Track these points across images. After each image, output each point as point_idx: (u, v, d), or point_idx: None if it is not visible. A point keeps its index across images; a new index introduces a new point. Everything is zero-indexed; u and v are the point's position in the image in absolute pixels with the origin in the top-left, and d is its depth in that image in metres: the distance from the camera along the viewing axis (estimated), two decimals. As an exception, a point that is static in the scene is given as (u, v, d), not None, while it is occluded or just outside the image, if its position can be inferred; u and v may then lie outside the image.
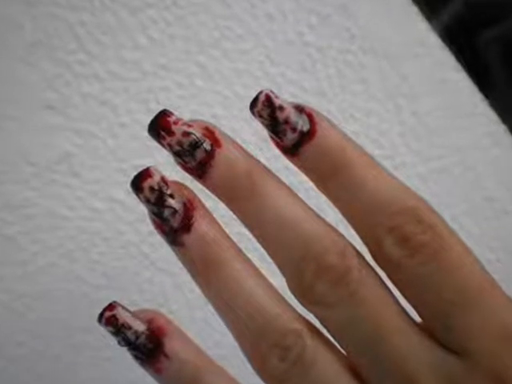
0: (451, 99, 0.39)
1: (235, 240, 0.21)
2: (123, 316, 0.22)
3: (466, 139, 0.40)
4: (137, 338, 0.22)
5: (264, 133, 0.21)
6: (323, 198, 0.21)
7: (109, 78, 0.33)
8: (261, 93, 0.20)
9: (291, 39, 0.36)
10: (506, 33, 0.61)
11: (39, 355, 0.32)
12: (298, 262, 0.20)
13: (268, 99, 0.20)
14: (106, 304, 0.22)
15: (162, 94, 0.34)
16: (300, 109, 0.20)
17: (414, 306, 0.20)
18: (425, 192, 0.20)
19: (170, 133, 0.20)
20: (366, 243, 0.20)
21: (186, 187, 0.21)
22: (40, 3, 0.31)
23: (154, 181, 0.20)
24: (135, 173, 0.20)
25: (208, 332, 0.35)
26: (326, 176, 0.20)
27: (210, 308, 0.21)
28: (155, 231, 0.21)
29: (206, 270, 0.21)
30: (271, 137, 0.21)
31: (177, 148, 0.20)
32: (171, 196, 0.20)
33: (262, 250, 0.21)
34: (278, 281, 0.21)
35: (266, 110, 0.20)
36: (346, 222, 0.21)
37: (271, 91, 0.20)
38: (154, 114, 0.20)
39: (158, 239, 0.21)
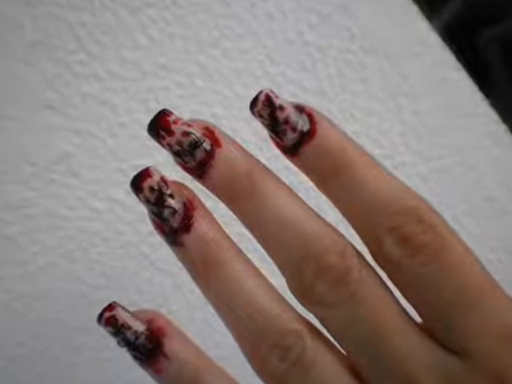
0: (452, 99, 0.39)
1: (235, 240, 0.21)
2: (123, 316, 0.22)
3: (466, 139, 0.40)
4: (136, 338, 0.22)
5: (264, 133, 0.21)
6: (323, 198, 0.20)
7: (108, 78, 0.33)
8: (261, 92, 0.20)
9: (291, 38, 0.36)
10: (506, 32, 0.61)
11: (39, 355, 0.32)
12: (298, 262, 0.20)
13: (268, 99, 0.20)
14: (105, 304, 0.22)
15: (161, 93, 0.34)
16: (300, 108, 0.20)
17: (415, 307, 0.20)
18: (425, 192, 0.20)
19: (170, 132, 0.20)
20: (367, 243, 0.20)
21: (186, 187, 0.21)
22: (40, 3, 0.31)
23: (154, 181, 0.20)
24: (135, 173, 0.20)
25: (208, 333, 0.35)
26: (326, 176, 0.20)
27: (210, 309, 0.21)
28: (155, 231, 0.21)
29: (206, 270, 0.21)
30: (271, 137, 0.21)
31: (176, 148, 0.20)
32: (171, 196, 0.20)
33: (262, 251, 0.21)
34: (278, 281, 0.21)
35: (266, 109, 0.20)
36: (346, 221, 0.21)
37: (271, 91, 0.20)
38: (154, 114, 0.20)
39: (158, 239, 0.21)
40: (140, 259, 0.34)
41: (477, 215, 0.40)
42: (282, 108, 0.20)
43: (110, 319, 0.22)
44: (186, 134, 0.20)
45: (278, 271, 0.21)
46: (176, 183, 0.21)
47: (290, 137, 0.20)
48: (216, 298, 0.21)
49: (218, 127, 0.21)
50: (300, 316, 0.21)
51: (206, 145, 0.20)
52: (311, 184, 0.21)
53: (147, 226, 0.22)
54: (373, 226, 0.20)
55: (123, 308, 0.22)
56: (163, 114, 0.20)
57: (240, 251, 0.21)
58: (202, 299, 0.21)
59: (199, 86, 0.34)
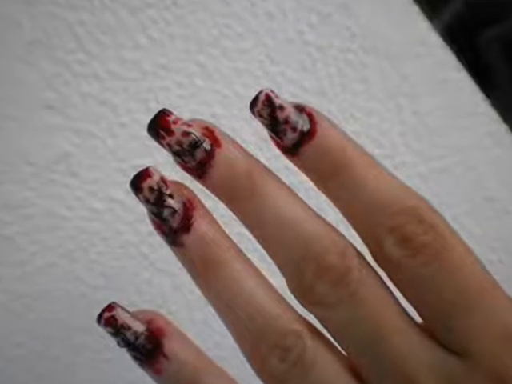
0: (452, 99, 0.39)
1: (235, 240, 0.21)
2: (122, 317, 0.22)
3: (467, 139, 0.40)
4: (136, 338, 0.22)
5: (264, 133, 0.21)
6: (323, 198, 0.20)
7: (108, 78, 0.33)
8: (261, 92, 0.20)
9: (291, 38, 0.36)
10: (507, 32, 0.61)
11: (38, 356, 0.32)
12: (298, 262, 0.20)
13: (268, 99, 0.20)
14: (105, 304, 0.22)
15: (161, 93, 0.34)
16: (300, 108, 0.20)
17: (415, 307, 0.20)
18: (426, 192, 0.20)
19: (170, 132, 0.20)
20: (367, 243, 0.20)
21: (186, 187, 0.21)
22: (39, 2, 0.31)
23: (154, 181, 0.20)
24: (134, 173, 0.20)
25: (208, 333, 0.35)
26: (326, 176, 0.20)
27: (210, 309, 0.21)
28: (154, 231, 0.21)
29: (206, 270, 0.21)
30: (271, 136, 0.21)
31: (176, 148, 0.20)
32: (171, 196, 0.20)
33: (262, 251, 0.21)
34: (278, 281, 0.21)
35: (266, 109, 0.20)
36: (346, 221, 0.21)
37: (271, 91, 0.20)
38: (154, 114, 0.20)
39: (158, 239, 0.21)
40: (140, 259, 0.34)
41: (477, 215, 0.40)
42: (282, 108, 0.20)
43: (109, 319, 0.22)
44: (186, 133, 0.20)
45: (277, 271, 0.21)
46: (176, 183, 0.21)
47: (290, 137, 0.20)
48: (216, 299, 0.21)
49: (218, 127, 0.21)
50: (300, 316, 0.20)
51: (206, 145, 0.20)
52: (311, 184, 0.21)
53: (147, 226, 0.22)
54: (373, 226, 0.19)
55: (123, 308, 0.22)
56: (163, 114, 0.20)
57: (240, 251, 0.21)
58: (202, 300, 0.21)
59: (199, 86, 0.34)
